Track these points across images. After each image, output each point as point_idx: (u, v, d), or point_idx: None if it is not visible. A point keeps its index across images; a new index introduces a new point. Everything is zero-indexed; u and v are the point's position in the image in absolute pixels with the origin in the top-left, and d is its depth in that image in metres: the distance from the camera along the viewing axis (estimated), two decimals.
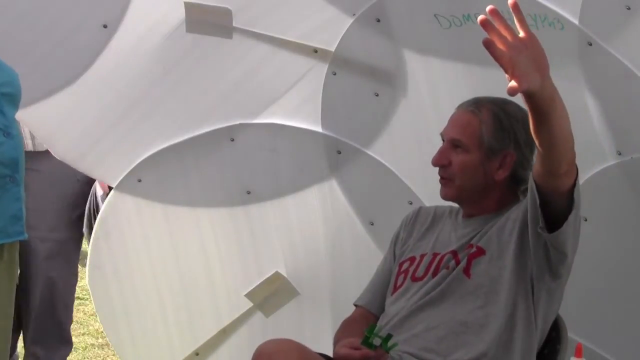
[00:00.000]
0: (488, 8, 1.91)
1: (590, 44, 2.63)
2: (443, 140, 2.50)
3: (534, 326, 2.36)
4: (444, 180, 2.48)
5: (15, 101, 2.56)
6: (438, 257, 2.46)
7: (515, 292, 2.35)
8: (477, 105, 2.48)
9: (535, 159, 2.24)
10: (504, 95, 2.42)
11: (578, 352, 2.22)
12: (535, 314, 2.36)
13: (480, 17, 1.90)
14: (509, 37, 1.91)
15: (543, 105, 2.02)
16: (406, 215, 2.68)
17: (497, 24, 1.91)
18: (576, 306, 2.65)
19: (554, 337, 2.46)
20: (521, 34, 1.93)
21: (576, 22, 2.63)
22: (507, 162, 2.44)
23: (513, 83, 1.90)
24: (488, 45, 1.89)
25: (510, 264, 2.36)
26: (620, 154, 2.76)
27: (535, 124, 2.09)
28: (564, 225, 2.24)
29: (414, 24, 2.91)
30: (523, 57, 1.91)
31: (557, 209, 2.25)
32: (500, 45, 1.90)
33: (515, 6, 1.91)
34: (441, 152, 2.48)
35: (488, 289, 2.36)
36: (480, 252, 2.41)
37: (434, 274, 2.43)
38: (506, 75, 1.92)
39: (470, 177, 2.45)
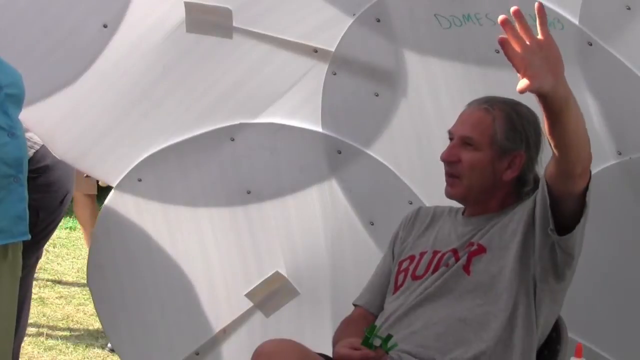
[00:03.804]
0: (512, 9, 1.91)
1: (590, 44, 2.63)
2: (451, 139, 2.47)
3: (534, 327, 2.35)
4: (452, 178, 2.45)
5: (19, 102, 2.57)
6: (438, 255, 2.46)
7: (516, 292, 2.34)
8: (489, 103, 2.45)
9: (549, 161, 2.23)
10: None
11: (578, 352, 2.21)
12: (537, 315, 2.35)
13: (501, 17, 1.90)
14: (527, 40, 1.91)
15: (556, 107, 2.01)
16: (405, 215, 2.67)
17: (518, 25, 1.91)
18: (576, 306, 2.64)
19: (554, 337, 2.46)
20: (539, 36, 1.93)
21: (576, 22, 2.64)
22: (516, 162, 2.42)
23: (524, 80, 1.90)
24: (502, 43, 1.89)
25: (512, 264, 2.35)
26: (620, 154, 2.76)
27: (549, 125, 2.08)
28: (576, 228, 2.24)
29: (414, 24, 2.90)
30: (537, 58, 1.91)
31: (566, 211, 2.25)
32: (515, 46, 1.90)
33: (541, 9, 1.91)
34: (451, 149, 2.45)
35: (488, 288, 2.36)
36: (481, 250, 2.40)
37: (434, 272, 2.43)
38: (518, 75, 1.91)
39: (479, 176, 2.42)
